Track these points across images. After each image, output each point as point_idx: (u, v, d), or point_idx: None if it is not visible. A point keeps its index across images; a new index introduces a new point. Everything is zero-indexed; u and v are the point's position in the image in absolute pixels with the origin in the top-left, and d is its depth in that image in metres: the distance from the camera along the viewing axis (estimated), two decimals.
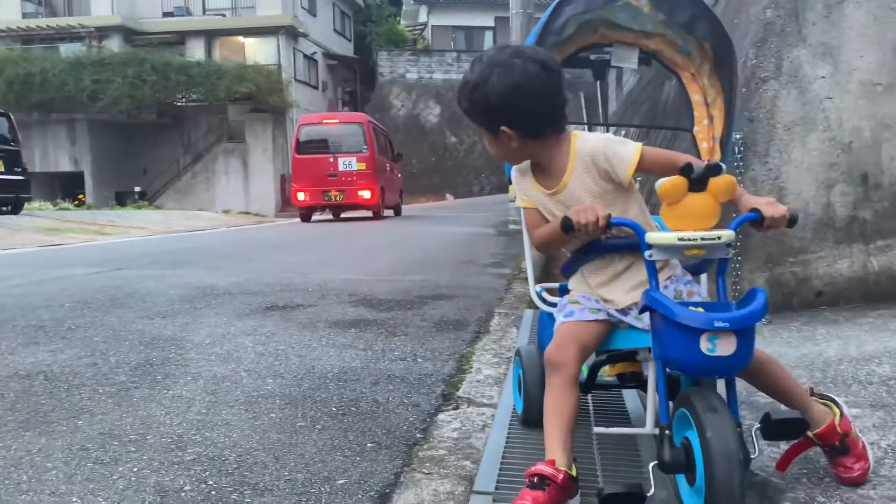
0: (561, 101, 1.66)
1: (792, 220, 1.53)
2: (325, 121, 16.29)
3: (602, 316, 1.69)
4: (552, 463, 1.49)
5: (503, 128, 1.64)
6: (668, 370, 1.55)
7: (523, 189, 1.78)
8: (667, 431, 1.47)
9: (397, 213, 17.26)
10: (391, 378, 2.65)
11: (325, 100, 29.30)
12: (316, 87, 28.29)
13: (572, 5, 2.09)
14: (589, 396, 2.28)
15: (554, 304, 1.87)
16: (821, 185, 3.48)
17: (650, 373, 1.66)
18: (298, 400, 2.38)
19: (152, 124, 24.32)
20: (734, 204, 1.59)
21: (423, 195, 26.04)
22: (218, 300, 4.32)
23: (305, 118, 16.73)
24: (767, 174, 3.47)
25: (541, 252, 2.10)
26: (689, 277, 1.74)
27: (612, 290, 1.70)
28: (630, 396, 2.41)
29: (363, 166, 14.91)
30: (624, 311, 1.69)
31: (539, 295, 1.98)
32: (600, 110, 6.28)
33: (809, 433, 1.61)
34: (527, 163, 1.76)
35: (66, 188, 23.79)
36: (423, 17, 32.82)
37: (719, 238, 1.50)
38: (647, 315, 1.58)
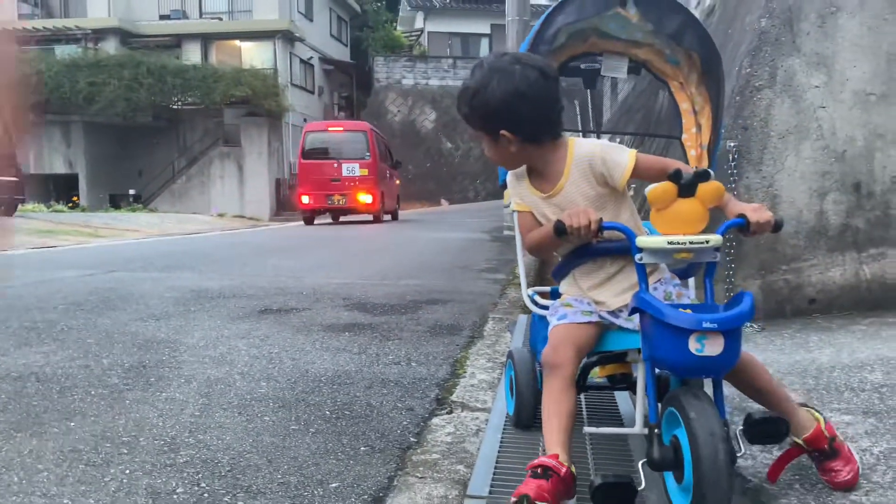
0: (558, 107, 1.70)
1: (777, 226, 1.58)
2: (330, 128, 17.31)
3: (594, 318, 1.71)
4: (556, 457, 1.51)
5: (503, 132, 1.67)
6: (657, 371, 1.58)
7: (518, 193, 1.80)
8: (656, 430, 1.49)
9: (395, 217, 17.98)
10: (385, 382, 2.65)
11: (321, 105, 29.29)
12: (312, 92, 28.28)
13: (564, 14, 2.12)
14: (582, 397, 2.29)
15: (546, 308, 1.89)
16: (814, 194, 3.50)
17: (639, 373, 1.68)
18: (292, 403, 2.38)
19: (148, 127, 24.23)
20: (722, 209, 1.62)
21: (419, 201, 26.04)
22: (212, 303, 4.31)
23: (311, 126, 17.66)
24: (761, 182, 3.49)
25: (533, 255, 2.12)
26: (678, 280, 1.76)
27: (603, 293, 1.73)
28: (622, 398, 2.42)
29: (365, 172, 15.54)
30: (615, 313, 1.72)
31: (531, 298, 2.00)
32: (591, 118, 6.31)
33: (798, 439, 1.63)
34: (523, 167, 1.79)
35: (61, 190, 23.66)
36: (419, 24, 32.86)
37: (707, 242, 1.53)
38: (637, 316, 1.59)
